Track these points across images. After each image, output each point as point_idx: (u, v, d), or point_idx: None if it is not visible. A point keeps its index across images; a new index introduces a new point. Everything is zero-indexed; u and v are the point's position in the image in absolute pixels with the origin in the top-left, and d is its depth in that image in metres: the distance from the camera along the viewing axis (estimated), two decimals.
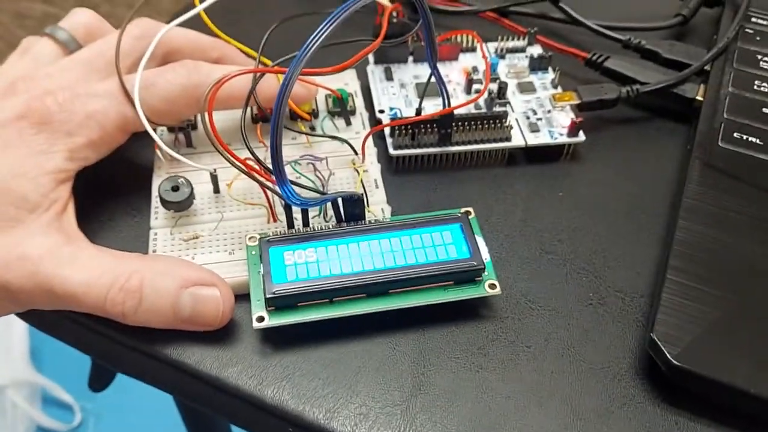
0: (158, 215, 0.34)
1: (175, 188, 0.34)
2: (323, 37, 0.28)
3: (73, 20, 0.38)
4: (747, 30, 0.45)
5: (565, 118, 0.39)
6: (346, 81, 0.42)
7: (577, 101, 0.40)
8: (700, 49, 0.44)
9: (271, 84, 0.36)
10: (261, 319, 0.30)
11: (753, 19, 0.45)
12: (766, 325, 0.30)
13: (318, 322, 0.30)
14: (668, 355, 0.28)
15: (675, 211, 0.35)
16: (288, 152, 0.36)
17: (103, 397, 0.61)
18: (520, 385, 0.30)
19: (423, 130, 0.37)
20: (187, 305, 0.30)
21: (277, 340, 0.31)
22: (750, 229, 0.33)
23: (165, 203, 0.34)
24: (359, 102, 0.40)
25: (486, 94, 0.40)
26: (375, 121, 0.39)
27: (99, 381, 0.51)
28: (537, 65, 0.43)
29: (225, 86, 0.31)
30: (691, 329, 0.29)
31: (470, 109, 0.39)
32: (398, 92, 0.41)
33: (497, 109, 0.39)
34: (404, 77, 0.42)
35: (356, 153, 0.37)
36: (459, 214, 0.33)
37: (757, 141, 0.37)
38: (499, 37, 0.44)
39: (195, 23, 0.37)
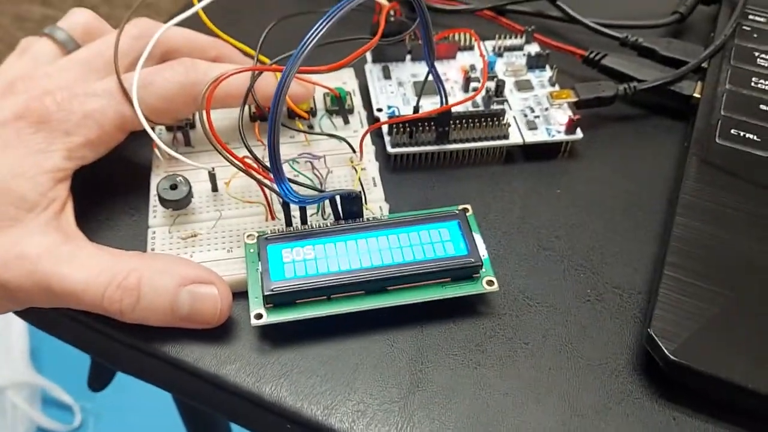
0: (156, 214, 0.34)
1: (174, 187, 0.34)
2: (320, 34, 0.28)
3: (71, 20, 0.38)
4: (744, 27, 0.45)
5: (562, 115, 0.40)
6: (344, 80, 0.42)
7: (574, 99, 0.40)
8: (698, 47, 0.44)
9: (269, 82, 0.36)
10: (259, 316, 0.30)
11: (750, 17, 0.46)
12: (763, 321, 0.30)
13: (316, 320, 0.30)
14: (665, 351, 0.29)
15: (672, 207, 0.35)
16: (286, 150, 0.36)
17: (103, 397, 0.61)
18: (518, 382, 0.30)
19: (421, 128, 0.37)
20: (185, 303, 0.30)
21: (276, 337, 0.31)
22: (747, 225, 0.33)
23: (163, 202, 0.34)
24: (357, 100, 0.41)
25: (483, 92, 0.40)
26: (373, 120, 0.39)
27: (98, 380, 0.51)
28: (534, 63, 0.43)
29: (222, 85, 0.32)
30: (688, 325, 0.29)
31: (468, 107, 0.40)
32: (396, 90, 0.41)
33: (495, 107, 0.40)
34: (402, 76, 0.42)
35: (354, 151, 0.37)
36: (456, 212, 0.33)
37: (755, 137, 0.37)
38: (497, 36, 0.44)
39: (193, 23, 0.37)
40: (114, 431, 1.06)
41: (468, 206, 0.34)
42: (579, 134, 0.39)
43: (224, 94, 0.34)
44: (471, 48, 0.44)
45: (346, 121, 0.39)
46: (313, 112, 0.39)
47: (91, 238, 0.32)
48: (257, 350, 0.31)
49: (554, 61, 0.43)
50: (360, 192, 0.33)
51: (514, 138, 0.39)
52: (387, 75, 0.42)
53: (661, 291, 0.31)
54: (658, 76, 0.42)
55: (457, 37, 0.44)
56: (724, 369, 0.28)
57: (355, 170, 0.36)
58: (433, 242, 0.32)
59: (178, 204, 0.34)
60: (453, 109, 0.37)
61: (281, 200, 0.32)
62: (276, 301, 0.30)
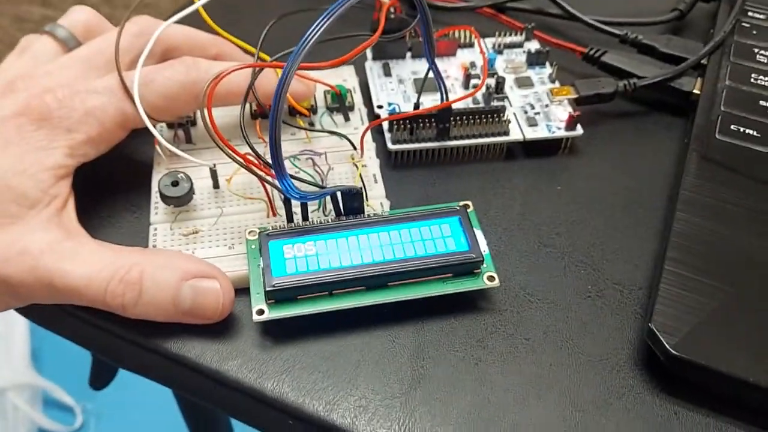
0: (158, 210, 0.35)
1: (175, 183, 0.34)
2: (321, 31, 0.28)
3: (72, 18, 0.38)
4: (743, 24, 0.45)
5: (562, 112, 0.40)
6: (345, 77, 0.42)
7: (574, 95, 0.40)
8: (697, 43, 0.44)
9: (270, 80, 0.36)
10: (261, 312, 0.30)
11: (749, 13, 0.46)
12: (763, 315, 0.30)
13: (317, 315, 0.30)
14: (666, 345, 0.29)
15: (672, 203, 0.35)
16: (287, 147, 0.36)
17: (104, 397, 0.61)
18: (519, 378, 0.30)
19: (421, 125, 0.37)
20: (187, 297, 0.30)
21: (277, 333, 0.31)
22: (747, 220, 0.33)
23: (165, 198, 0.34)
24: (358, 97, 0.41)
25: (484, 89, 0.40)
26: (373, 116, 0.39)
27: (99, 379, 0.51)
28: (534, 60, 0.43)
29: (223, 82, 0.32)
30: (689, 319, 0.29)
31: (468, 103, 0.40)
32: (396, 87, 0.41)
33: (495, 103, 0.40)
34: (402, 73, 0.42)
35: (355, 148, 0.37)
36: (457, 207, 0.33)
37: (754, 133, 0.38)
38: (497, 33, 0.44)
39: (194, 20, 0.37)
40: (115, 431, 1.06)
41: (469, 202, 0.34)
42: (579, 131, 0.39)
43: (225, 91, 0.34)
44: (471, 45, 0.44)
45: (347, 118, 0.39)
46: (313, 110, 0.39)
47: (92, 235, 0.32)
48: (259, 346, 0.31)
49: (554, 58, 0.43)
50: (361, 188, 0.33)
51: (515, 134, 0.39)
52: (387, 72, 0.42)
53: (662, 286, 0.31)
54: (657, 72, 0.42)
55: (457, 35, 0.44)
56: (724, 363, 0.28)
57: (356, 167, 0.36)
58: (434, 238, 0.32)
59: (180, 201, 0.34)
60: (453, 106, 0.37)
61: (282, 196, 0.32)
62: (278, 296, 0.30)
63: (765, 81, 0.41)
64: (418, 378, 0.30)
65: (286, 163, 0.32)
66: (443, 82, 0.37)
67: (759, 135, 0.37)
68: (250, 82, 0.34)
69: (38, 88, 0.33)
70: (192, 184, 0.34)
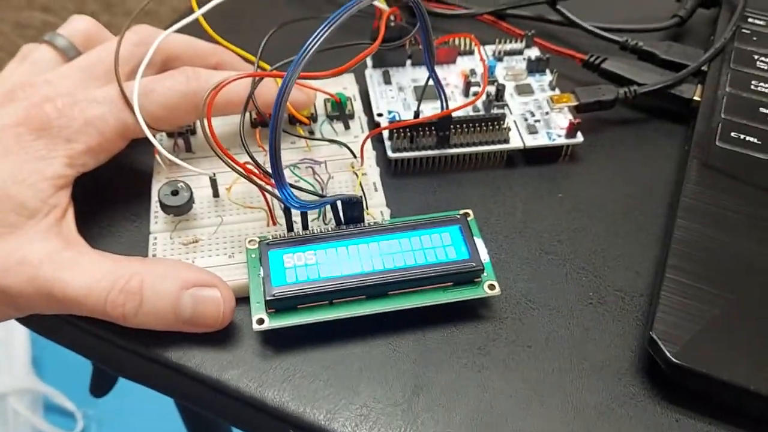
0: (158, 220, 0.35)
1: (175, 192, 0.34)
2: (321, 40, 0.28)
3: (72, 27, 0.38)
4: (744, 30, 0.45)
5: (563, 119, 0.40)
6: (345, 85, 0.42)
7: (574, 103, 0.40)
8: (697, 50, 0.44)
9: (269, 89, 0.36)
10: (261, 321, 0.30)
11: (750, 20, 0.46)
12: (763, 323, 0.30)
13: (318, 324, 0.30)
14: (668, 353, 0.29)
15: (673, 210, 0.35)
16: (287, 156, 0.36)
17: (105, 402, 0.61)
18: (521, 385, 0.30)
19: (421, 133, 0.37)
20: (187, 306, 0.30)
21: (278, 342, 0.31)
22: (748, 227, 0.33)
23: (165, 208, 0.34)
24: (358, 106, 0.41)
25: (484, 97, 0.40)
26: (373, 125, 0.39)
27: (100, 387, 0.51)
28: (535, 67, 0.43)
29: (223, 92, 0.32)
30: (690, 327, 0.29)
31: (468, 111, 0.40)
32: (396, 95, 0.41)
33: (495, 111, 0.40)
34: (402, 81, 0.42)
35: (355, 156, 0.37)
36: (458, 216, 0.33)
37: (755, 140, 0.37)
38: (497, 40, 0.44)
39: (194, 29, 0.37)
40: None
41: (469, 210, 0.34)
42: (580, 138, 0.39)
43: (225, 101, 0.34)
44: (471, 52, 0.44)
45: (347, 127, 0.39)
46: (313, 118, 0.39)
47: (92, 245, 0.32)
48: (259, 355, 0.31)
49: (554, 65, 0.43)
50: (361, 197, 0.33)
51: (515, 142, 0.39)
52: (387, 80, 0.42)
53: (663, 294, 0.31)
54: (658, 79, 0.42)
55: (457, 42, 0.44)
56: (726, 371, 0.28)
57: (356, 175, 0.36)
58: (435, 247, 0.32)
59: (180, 210, 0.34)
60: (453, 114, 0.37)
61: (282, 205, 0.32)
62: (278, 306, 0.30)
63: (765, 88, 0.41)
64: (420, 386, 0.30)
65: (286, 172, 0.32)
66: (443, 90, 0.37)
67: (759, 142, 0.37)
68: (250, 91, 0.34)
69: (38, 97, 0.33)
70: (192, 193, 0.34)
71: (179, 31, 0.36)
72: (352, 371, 0.31)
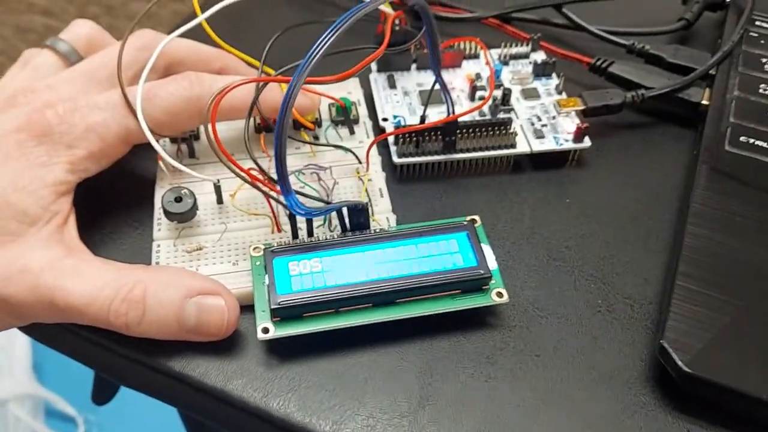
0: (161, 227, 0.34)
1: (178, 199, 0.33)
2: (327, 45, 0.27)
3: (73, 32, 0.38)
4: (751, 33, 0.44)
5: (570, 124, 0.39)
6: (350, 89, 0.41)
7: (582, 107, 0.40)
8: (705, 53, 0.43)
9: (274, 94, 0.35)
10: (266, 330, 0.30)
11: (757, 23, 0.45)
12: None
13: (324, 333, 0.30)
14: (679, 363, 0.28)
15: (682, 216, 0.34)
16: (292, 162, 0.35)
17: (106, 408, 0.60)
18: (529, 394, 0.30)
19: (427, 138, 0.37)
20: (191, 315, 0.30)
21: (283, 351, 0.31)
22: (758, 233, 0.33)
23: (168, 214, 0.33)
24: (363, 110, 0.40)
25: (490, 101, 0.40)
26: (379, 130, 0.39)
27: (102, 394, 0.50)
28: (541, 71, 0.42)
29: (227, 97, 0.31)
30: (701, 336, 0.29)
31: (474, 116, 0.39)
32: (402, 100, 0.41)
33: (502, 115, 0.39)
34: (407, 85, 0.42)
35: (360, 162, 0.37)
36: (465, 222, 0.33)
37: (765, 144, 0.37)
38: (503, 44, 0.44)
39: (197, 34, 0.37)
40: None
41: (476, 217, 0.33)
42: (587, 143, 0.39)
43: (229, 106, 0.34)
44: (477, 56, 0.44)
45: (352, 132, 0.39)
46: (318, 123, 0.39)
47: (94, 252, 0.32)
48: (264, 364, 0.31)
49: (561, 69, 0.42)
50: (367, 203, 0.33)
51: (522, 147, 0.38)
52: (392, 84, 0.41)
53: (674, 302, 0.30)
54: (665, 83, 0.41)
55: (462, 46, 0.43)
56: (738, 380, 0.28)
57: (362, 181, 0.36)
58: (442, 254, 0.31)
59: (183, 217, 0.33)
60: (460, 119, 0.37)
61: (287, 212, 0.32)
62: (283, 314, 0.30)
63: None
64: (427, 396, 0.30)
65: (291, 178, 0.31)
66: (449, 94, 0.36)
67: None
68: (254, 96, 0.34)
69: (39, 102, 0.33)
70: (195, 199, 0.34)
71: (183, 35, 0.36)
72: (358, 381, 0.30)
